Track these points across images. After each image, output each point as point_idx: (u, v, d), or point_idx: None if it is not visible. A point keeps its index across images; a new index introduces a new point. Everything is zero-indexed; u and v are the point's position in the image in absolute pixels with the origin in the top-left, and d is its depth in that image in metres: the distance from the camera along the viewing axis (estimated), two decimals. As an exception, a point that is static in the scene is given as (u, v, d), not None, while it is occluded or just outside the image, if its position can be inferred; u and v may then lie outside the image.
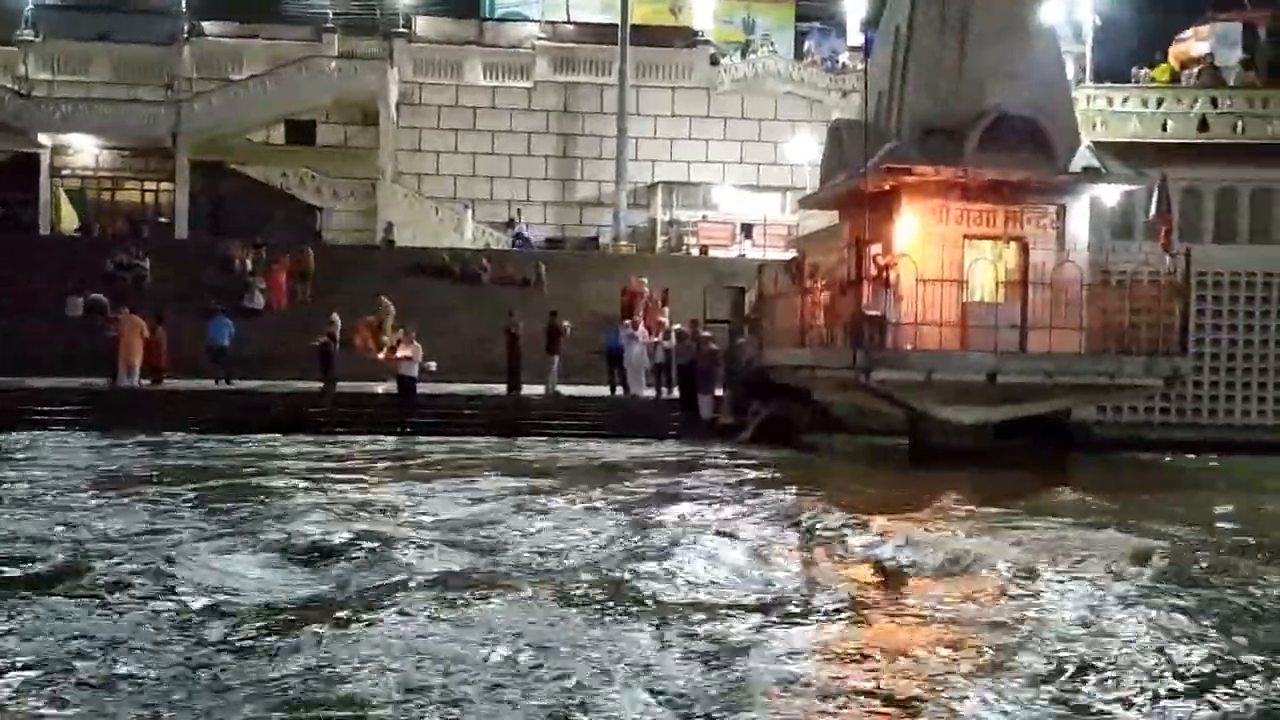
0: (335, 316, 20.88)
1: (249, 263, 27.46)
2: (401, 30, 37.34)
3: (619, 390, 21.49)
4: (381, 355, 20.57)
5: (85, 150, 34.85)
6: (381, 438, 18.02)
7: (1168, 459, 17.79)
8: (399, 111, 36.16)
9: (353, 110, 36.08)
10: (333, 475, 13.41)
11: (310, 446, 16.64)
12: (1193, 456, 18.01)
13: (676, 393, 20.90)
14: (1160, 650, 6.48)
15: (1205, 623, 7.13)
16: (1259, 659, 6.31)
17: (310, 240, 31.01)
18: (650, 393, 21.38)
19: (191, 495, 11.40)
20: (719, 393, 20.11)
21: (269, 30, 37.75)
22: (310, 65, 35.37)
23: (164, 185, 34.84)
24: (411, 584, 7.64)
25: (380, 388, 20.34)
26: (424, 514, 10.79)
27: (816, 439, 18.71)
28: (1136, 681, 5.91)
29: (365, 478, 13.42)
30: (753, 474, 14.59)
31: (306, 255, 27.59)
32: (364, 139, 36.09)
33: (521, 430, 19.17)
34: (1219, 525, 11.33)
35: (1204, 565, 8.90)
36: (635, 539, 9.62)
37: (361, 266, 28.23)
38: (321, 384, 19.88)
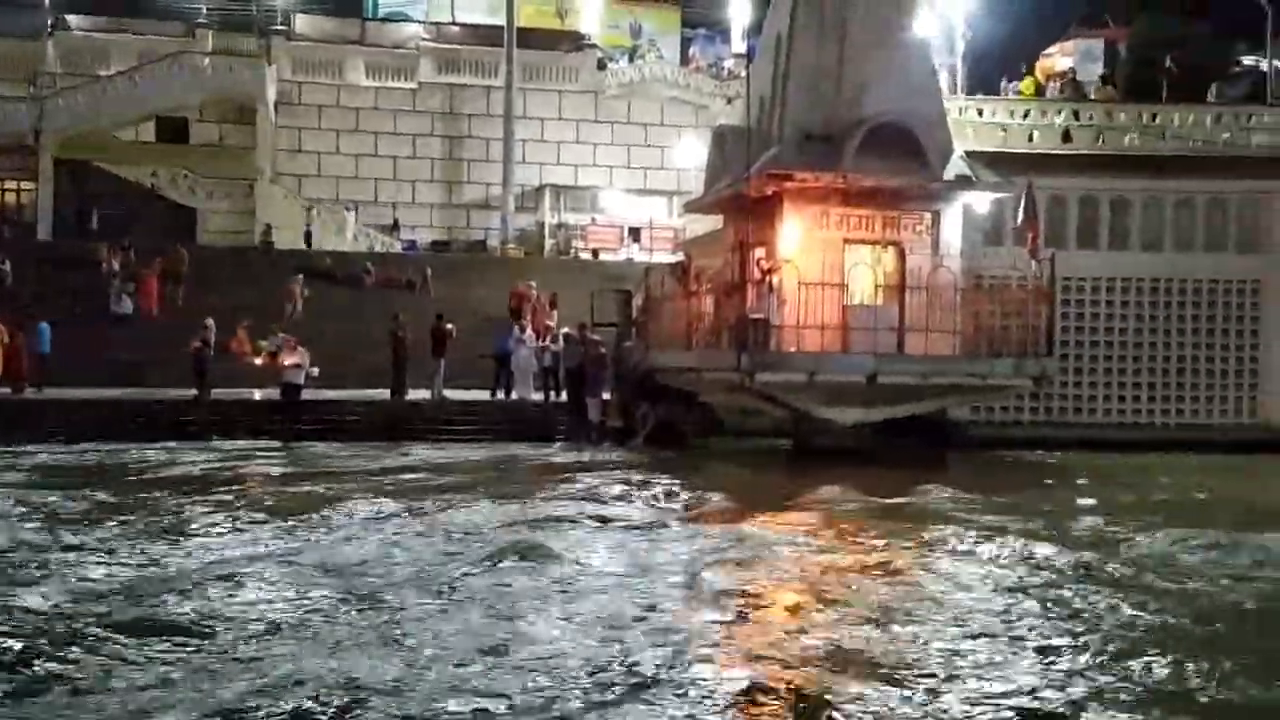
0: (210, 321, 20.21)
1: (117, 265, 26.41)
2: (279, 28, 36.49)
3: (506, 394, 21.37)
4: (259, 361, 19.99)
5: (-61, 147, 33.06)
6: (259, 444, 17.53)
7: (1034, 456, 18.52)
8: (277, 111, 35.30)
9: (228, 109, 35.09)
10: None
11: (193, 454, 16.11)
12: (1058, 454, 18.79)
13: (564, 396, 20.90)
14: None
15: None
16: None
17: (184, 242, 29.96)
18: (538, 396, 21.31)
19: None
20: (606, 396, 20.16)
21: (139, 25, 36.50)
22: (183, 62, 34.29)
23: (26, 185, 33.29)
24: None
25: (258, 394, 19.78)
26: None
27: (703, 441, 18.92)
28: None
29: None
30: (633, 475, 14.67)
31: (180, 256, 26.68)
32: (240, 138, 35.10)
33: (407, 435, 18.88)
34: (1034, 508, 12.04)
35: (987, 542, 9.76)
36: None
37: (239, 269, 27.44)
38: (195, 391, 19.24)
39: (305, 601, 7.31)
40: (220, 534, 9.84)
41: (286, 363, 18.63)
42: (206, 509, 11.05)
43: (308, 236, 32.24)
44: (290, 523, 10.28)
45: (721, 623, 7.05)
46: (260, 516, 10.63)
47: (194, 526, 10.10)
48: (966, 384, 17.18)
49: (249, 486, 13.03)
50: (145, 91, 33.62)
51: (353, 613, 7.04)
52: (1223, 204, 21.57)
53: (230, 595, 7.38)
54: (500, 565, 8.52)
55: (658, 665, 6.01)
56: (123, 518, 10.43)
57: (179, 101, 34.30)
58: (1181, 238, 21.44)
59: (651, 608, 7.38)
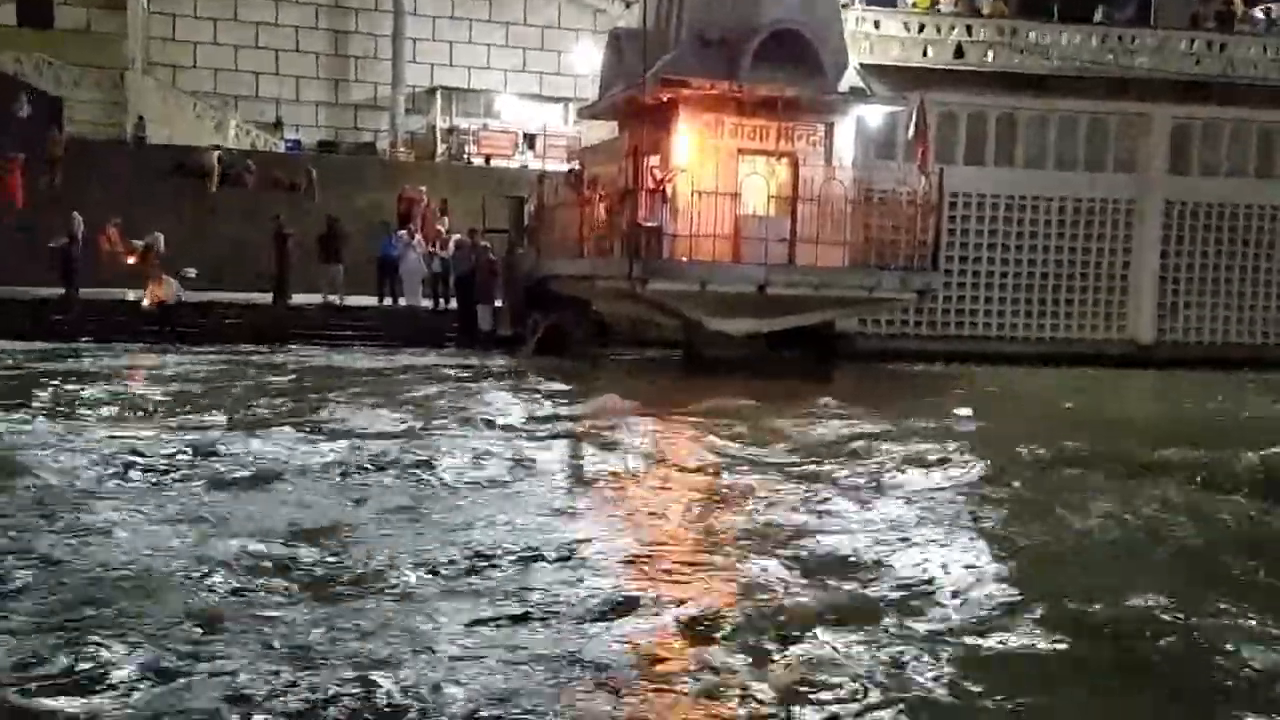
0: (77, 215, 19.20)
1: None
2: (152, -95, 34.11)
3: (394, 300, 20.95)
4: (132, 260, 19.15)
5: None
6: (131, 347, 16.88)
7: (917, 369, 19.01)
8: (150, -5, 33.25)
9: (96, -9, 32.87)
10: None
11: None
12: (942, 366, 19.33)
13: (454, 303, 20.59)
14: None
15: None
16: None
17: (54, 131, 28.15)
18: (427, 303, 20.96)
19: None
20: (498, 303, 19.93)
21: (-6, -105, 33.62)
22: (45, -62, 31.88)
23: None
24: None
25: (131, 294, 18.96)
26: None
27: (595, 350, 18.89)
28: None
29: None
30: (521, 381, 14.59)
31: (56, 140, 25.27)
32: (110, 24, 32.92)
33: (290, 340, 18.41)
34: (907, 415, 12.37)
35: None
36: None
37: (110, 165, 25.98)
38: (63, 290, 18.35)
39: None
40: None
41: (160, 296, 18.03)
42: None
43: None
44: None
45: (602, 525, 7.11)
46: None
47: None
48: (854, 296, 17.44)
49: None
50: (3, -31, 31.27)
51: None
52: (1103, 125, 22.11)
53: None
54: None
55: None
56: None
57: (42, -19, 32.02)
58: (1064, 157, 21.95)
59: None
